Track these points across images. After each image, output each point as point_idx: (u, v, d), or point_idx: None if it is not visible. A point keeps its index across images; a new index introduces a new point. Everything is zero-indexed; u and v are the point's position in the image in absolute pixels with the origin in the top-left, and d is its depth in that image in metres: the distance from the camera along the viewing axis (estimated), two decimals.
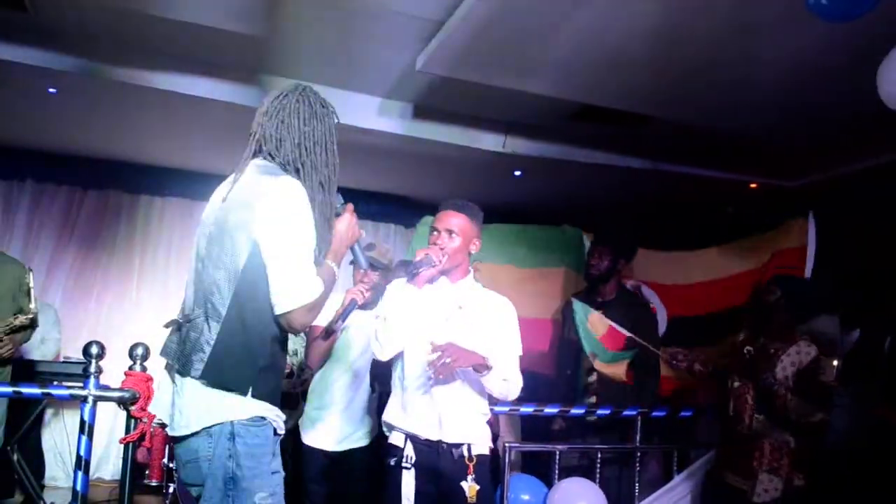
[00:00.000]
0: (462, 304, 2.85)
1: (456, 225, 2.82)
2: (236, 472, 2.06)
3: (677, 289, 5.28)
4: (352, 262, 3.63)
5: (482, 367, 2.70)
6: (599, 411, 4.13)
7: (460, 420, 2.78)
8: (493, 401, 2.95)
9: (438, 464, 2.77)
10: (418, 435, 2.79)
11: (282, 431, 2.21)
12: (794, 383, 3.59)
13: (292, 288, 2.05)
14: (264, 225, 2.07)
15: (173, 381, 2.20)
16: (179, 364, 2.14)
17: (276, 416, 2.16)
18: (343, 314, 3.17)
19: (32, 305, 4.13)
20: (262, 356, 2.11)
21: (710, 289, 5.09)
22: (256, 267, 2.07)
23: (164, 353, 2.25)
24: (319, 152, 2.21)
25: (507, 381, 2.77)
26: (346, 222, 2.30)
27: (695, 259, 5.27)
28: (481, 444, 2.82)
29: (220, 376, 2.08)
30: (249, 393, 2.08)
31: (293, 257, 2.07)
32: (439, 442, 2.77)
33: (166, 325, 2.27)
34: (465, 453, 2.76)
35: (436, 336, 2.73)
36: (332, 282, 2.19)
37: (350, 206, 2.32)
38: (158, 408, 2.40)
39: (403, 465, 2.78)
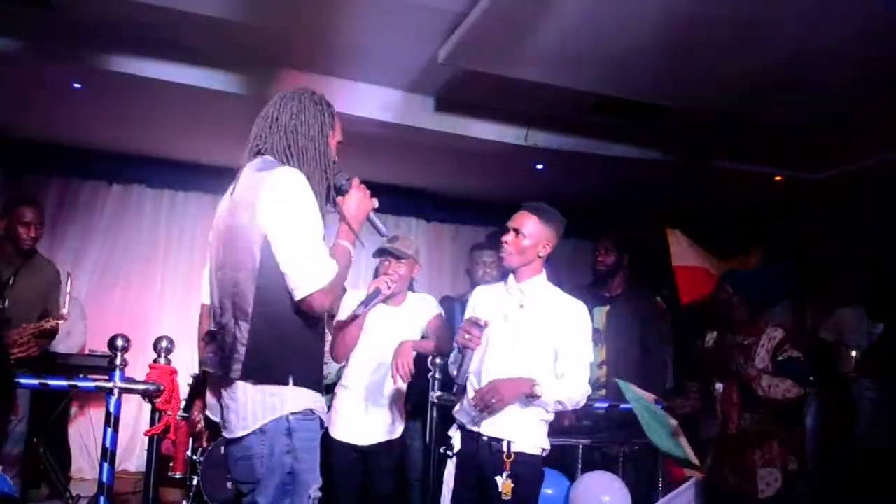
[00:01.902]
0: (524, 303, 2.88)
1: (525, 226, 2.86)
2: (295, 467, 2.14)
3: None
4: (379, 252, 3.64)
5: (532, 396, 2.72)
6: (622, 406, 4.11)
7: (502, 416, 2.79)
8: None
9: (478, 455, 2.82)
10: (466, 425, 2.89)
11: (326, 424, 2.33)
12: (771, 369, 3.66)
13: (306, 272, 2.09)
14: (269, 217, 2.12)
15: (220, 390, 2.26)
16: (221, 370, 2.19)
17: (321, 408, 2.24)
18: (366, 300, 3.18)
19: (65, 310, 4.17)
20: (295, 345, 2.17)
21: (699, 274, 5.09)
22: (270, 260, 2.12)
23: (202, 364, 2.33)
24: (307, 143, 2.25)
25: (564, 403, 2.78)
26: (354, 198, 2.30)
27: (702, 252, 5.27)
28: (525, 443, 2.81)
29: (258, 372, 2.14)
30: (291, 381, 2.14)
31: (301, 242, 2.10)
32: (479, 434, 2.82)
33: (203, 339, 2.34)
34: (504, 449, 2.77)
35: (494, 346, 2.83)
36: (346, 262, 2.22)
37: (356, 181, 2.32)
38: (211, 410, 2.45)
39: (447, 453, 2.90)
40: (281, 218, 2.12)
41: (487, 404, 2.68)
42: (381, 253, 3.63)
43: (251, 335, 2.14)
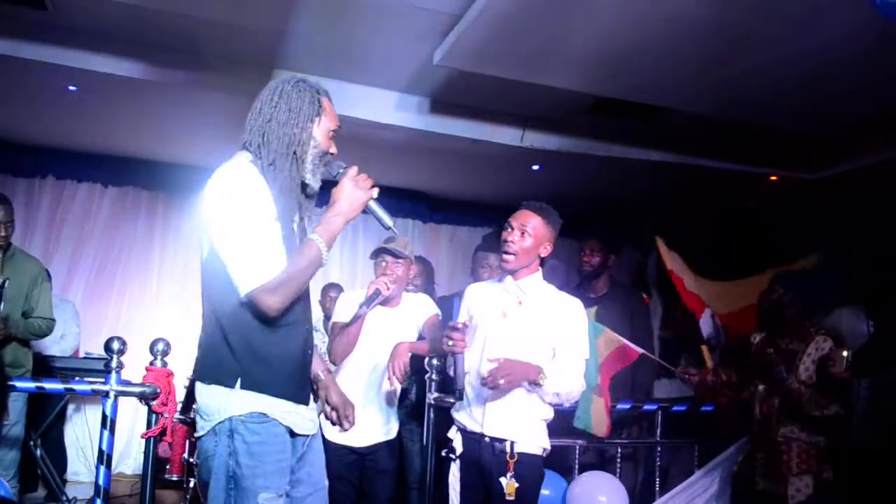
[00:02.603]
0: (522, 300, 2.89)
1: (530, 224, 2.86)
2: (236, 471, 2.05)
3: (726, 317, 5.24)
4: (376, 252, 3.63)
5: (534, 383, 2.73)
6: (619, 406, 4.12)
7: (505, 416, 2.82)
8: None
9: (481, 457, 2.84)
10: (466, 427, 2.90)
11: (302, 431, 2.20)
12: (816, 380, 3.60)
13: (245, 270, 2.00)
14: (208, 216, 2.08)
15: None
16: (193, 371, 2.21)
17: (283, 413, 2.12)
18: (367, 300, 3.19)
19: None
20: (242, 346, 2.08)
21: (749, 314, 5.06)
22: (214, 260, 2.07)
23: None
24: (276, 129, 2.15)
25: (561, 395, 2.79)
26: (345, 189, 2.16)
27: (745, 286, 5.24)
28: (528, 443, 2.83)
29: (208, 372, 2.12)
30: (238, 384, 2.06)
31: (241, 238, 2.01)
32: (482, 435, 2.83)
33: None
34: (507, 449, 2.78)
35: (492, 343, 2.81)
36: (311, 260, 2.08)
37: (351, 171, 2.19)
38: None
39: (450, 455, 2.91)
40: (217, 214, 2.06)
41: (496, 383, 2.66)
42: (379, 252, 3.62)
43: (202, 335, 2.14)
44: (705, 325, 4.79)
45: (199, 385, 2.13)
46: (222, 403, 2.07)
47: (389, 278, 3.40)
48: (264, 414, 2.08)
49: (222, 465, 2.06)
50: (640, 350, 4.01)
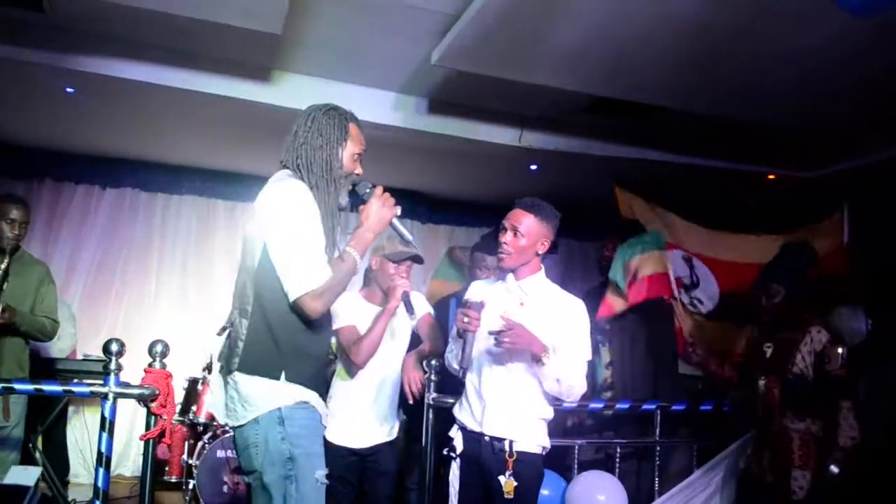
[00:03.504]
0: (524, 301, 2.88)
1: (523, 224, 2.85)
2: (293, 452, 2.29)
3: (713, 262, 5.26)
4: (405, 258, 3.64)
5: (538, 360, 2.72)
6: (619, 405, 4.12)
7: (505, 415, 2.82)
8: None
9: (481, 456, 2.84)
10: (466, 426, 2.91)
11: (324, 422, 2.43)
12: (812, 371, 3.60)
13: (295, 277, 2.26)
14: (267, 225, 2.32)
15: (224, 381, 2.44)
16: (226, 362, 2.40)
17: (318, 403, 2.39)
18: (408, 307, 3.31)
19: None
20: (289, 343, 2.32)
21: (747, 270, 5.06)
22: (268, 264, 2.31)
23: (219, 358, 2.52)
24: (312, 154, 2.40)
25: (561, 383, 2.77)
26: (373, 207, 2.44)
27: (738, 241, 5.24)
28: (527, 442, 2.83)
29: (253, 365, 2.32)
30: (283, 377, 2.31)
31: (296, 249, 2.27)
32: (482, 434, 2.84)
33: (218, 333, 2.55)
34: (507, 448, 2.78)
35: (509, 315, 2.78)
36: (348, 270, 2.36)
37: (378, 191, 2.46)
38: (215, 407, 2.54)
39: (450, 454, 2.92)
40: (277, 226, 2.30)
41: (501, 341, 2.68)
42: (406, 259, 3.61)
43: (249, 331, 2.33)
44: (675, 263, 4.77)
45: (239, 376, 2.33)
46: (269, 394, 2.30)
47: (404, 281, 3.44)
48: (307, 402, 2.35)
49: (276, 450, 2.28)
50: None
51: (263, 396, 2.31)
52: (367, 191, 2.46)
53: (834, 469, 3.48)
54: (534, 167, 6.05)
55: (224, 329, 2.49)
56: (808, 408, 3.59)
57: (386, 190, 2.48)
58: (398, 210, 2.47)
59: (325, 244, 2.34)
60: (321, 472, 2.32)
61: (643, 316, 4.33)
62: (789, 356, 3.65)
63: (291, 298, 2.26)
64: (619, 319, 4.37)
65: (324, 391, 2.48)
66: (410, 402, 3.56)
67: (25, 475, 3.50)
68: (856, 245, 4.85)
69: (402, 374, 3.52)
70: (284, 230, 2.29)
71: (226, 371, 2.41)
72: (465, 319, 2.78)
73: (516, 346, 2.71)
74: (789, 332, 3.73)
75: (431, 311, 3.78)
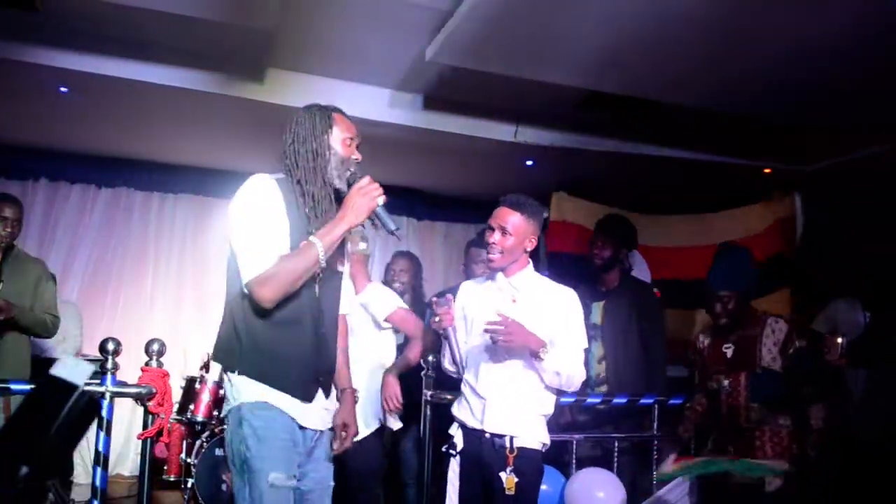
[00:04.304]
0: (516, 298, 2.88)
1: (510, 223, 2.84)
2: (246, 455, 2.23)
3: (662, 251, 5.33)
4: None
5: (536, 355, 2.72)
6: (616, 400, 4.12)
7: (504, 412, 2.82)
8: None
9: (481, 453, 2.83)
10: (466, 423, 2.89)
11: (309, 425, 2.35)
12: (781, 362, 3.67)
13: (242, 263, 2.24)
14: (229, 221, 2.33)
15: None
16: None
17: (288, 405, 2.30)
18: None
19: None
20: (248, 338, 2.28)
21: (693, 254, 5.11)
22: (231, 257, 2.32)
23: None
24: (298, 149, 2.38)
25: (561, 375, 2.78)
26: (351, 198, 2.35)
27: (682, 224, 5.29)
28: (527, 438, 2.83)
29: (220, 359, 2.36)
30: (237, 372, 2.29)
31: (242, 240, 2.26)
32: (482, 431, 2.83)
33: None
34: (507, 444, 2.78)
35: (490, 342, 2.77)
36: (304, 258, 2.26)
37: (363, 181, 2.37)
38: None
39: (450, 451, 2.91)
40: (231, 219, 2.31)
41: (496, 338, 2.67)
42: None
43: (220, 325, 2.39)
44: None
45: (224, 374, 2.37)
46: (231, 389, 2.31)
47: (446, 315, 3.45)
48: (268, 402, 2.26)
49: (235, 451, 2.26)
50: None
51: (229, 391, 2.32)
52: (353, 180, 2.38)
53: (811, 454, 3.54)
54: (529, 163, 6.05)
55: None
56: (780, 400, 3.63)
57: (383, 186, 2.40)
58: (381, 200, 2.36)
59: (300, 234, 2.29)
60: (276, 475, 2.20)
61: (635, 310, 4.33)
62: (752, 352, 3.69)
63: (242, 286, 2.24)
64: (611, 313, 4.36)
65: (310, 395, 2.34)
66: (390, 421, 3.61)
67: (76, 371, 3.42)
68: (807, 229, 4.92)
69: (382, 390, 3.54)
70: (233, 221, 2.30)
71: None
72: (437, 319, 2.81)
73: (512, 343, 2.70)
74: (747, 328, 3.80)
75: (403, 305, 3.79)
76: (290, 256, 2.25)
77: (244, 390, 2.27)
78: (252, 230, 2.25)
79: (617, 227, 4.53)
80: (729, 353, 3.83)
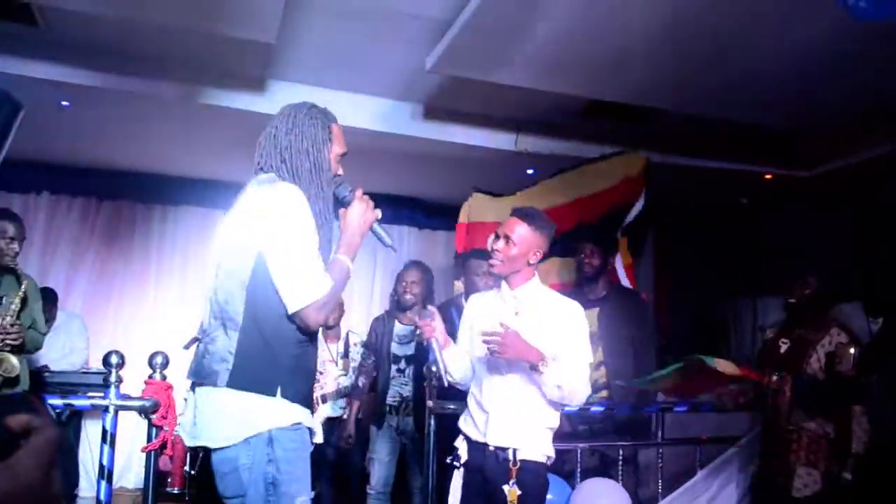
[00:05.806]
0: (519, 310, 2.87)
1: (516, 232, 2.82)
2: (276, 477, 2.11)
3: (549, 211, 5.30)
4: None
5: (535, 368, 2.70)
6: (618, 409, 4.11)
7: (507, 425, 2.80)
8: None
9: (484, 465, 2.82)
10: (471, 437, 2.89)
11: (318, 439, 2.28)
12: (824, 372, 3.56)
13: (298, 287, 2.10)
14: (263, 233, 2.14)
15: (197, 399, 2.23)
16: (205, 377, 2.17)
17: (310, 422, 2.23)
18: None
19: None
20: (286, 356, 2.15)
21: (561, 211, 5.09)
22: (264, 273, 2.13)
23: (189, 375, 2.28)
24: (300, 158, 2.26)
25: (562, 388, 2.74)
26: (356, 211, 2.29)
27: (557, 185, 5.27)
28: (530, 450, 2.81)
29: (246, 380, 2.13)
30: (278, 393, 2.12)
31: (294, 258, 2.12)
32: (485, 444, 2.82)
33: (186, 347, 2.32)
34: (510, 457, 2.77)
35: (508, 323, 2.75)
36: (343, 277, 2.23)
37: (358, 193, 2.31)
38: (184, 425, 2.39)
39: (453, 463, 2.90)
40: (274, 234, 2.13)
41: (493, 349, 2.66)
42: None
43: (240, 344, 2.14)
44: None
45: (225, 393, 2.13)
46: (263, 413, 2.12)
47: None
48: (300, 423, 2.17)
49: (261, 472, 2.10)
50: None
51: (256, 415, 2.11)
52: (347, 194, 2.30)
53: (847, 476, 3.44)
54: (530, 171, 6.05)
55: (194, 341, 2.31)
56: (819, 408, 3.55)
57: (384, 196, 2.39)
58: (378, 213, 2.32)
59: (323, 254, 2.21)
60: (303, 499, 2.14)
61: (627, 317, 4.34)
62: (804, 355, 3.62)
63: (292, 310, 2.10)
64: (606, 320, 4.37)
65: (312, 407, 2.32)
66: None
67: None
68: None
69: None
70: (285, 239, 2.12)
71: (202, 387, 2.20)
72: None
73: (507, 354, 2.68)
74: (810, 330, 3.67)
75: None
76: (335, 280, 2.17)
77: (281, 413, 2.13)
78: (306, 252, 2.13)
79: (604, 235, 4.57)
80: (783, 348, 3.72)
